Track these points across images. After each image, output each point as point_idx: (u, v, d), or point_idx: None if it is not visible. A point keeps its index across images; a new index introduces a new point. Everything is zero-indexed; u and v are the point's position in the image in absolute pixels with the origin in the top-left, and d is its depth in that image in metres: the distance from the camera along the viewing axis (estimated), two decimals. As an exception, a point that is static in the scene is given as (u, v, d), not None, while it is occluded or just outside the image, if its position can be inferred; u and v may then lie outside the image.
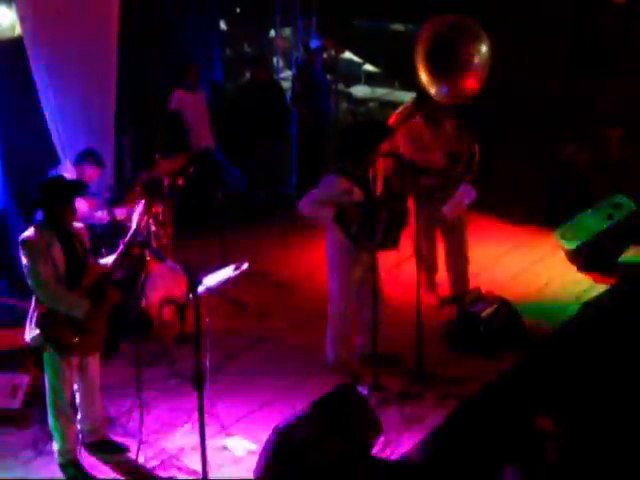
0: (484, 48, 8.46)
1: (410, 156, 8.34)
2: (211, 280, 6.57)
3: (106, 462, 6.66)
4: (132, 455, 6.60)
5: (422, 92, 8.64)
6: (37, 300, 6.26)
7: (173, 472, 6.55)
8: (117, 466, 6.64)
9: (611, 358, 7.36)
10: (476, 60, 8.47)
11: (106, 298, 6.39)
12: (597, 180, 11.07)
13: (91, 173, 8.59)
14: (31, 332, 6.31)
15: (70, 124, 9.22)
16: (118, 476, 6.56)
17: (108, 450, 6.75)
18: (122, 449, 6.75)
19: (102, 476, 6.56)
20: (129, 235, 6.40)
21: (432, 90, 8.42)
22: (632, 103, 11.89)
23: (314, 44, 11.88)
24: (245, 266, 6.94)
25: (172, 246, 8.83)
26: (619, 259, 9.78)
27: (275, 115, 11.39)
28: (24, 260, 6.17)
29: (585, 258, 9.70)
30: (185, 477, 6.50)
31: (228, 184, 10.90)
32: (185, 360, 7.35)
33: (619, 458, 6.01)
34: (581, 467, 5.93)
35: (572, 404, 6.61)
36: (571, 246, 9.77)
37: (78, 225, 6.53)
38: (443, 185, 8.59)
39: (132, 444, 6.67)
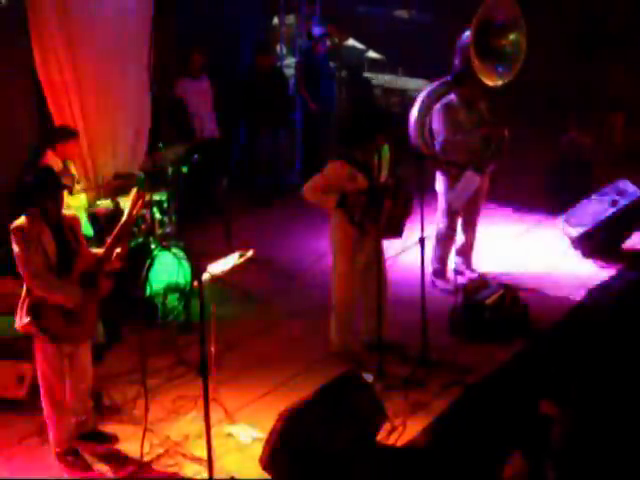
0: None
1: (446, 135, 8.61)
2: (216, 268, 6.56)
3: (99, 452, 6.68)
4: (138, 443, 6.60)
5: (459, 74, 8.79)
6: (28, 288, 6.25)
7: (178, 459, 6.56)
8: (112, 456, 6.66)
9: (617, 344, 7.36)
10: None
11: (98, 287, 6.38)
12: (600, 166, 11.05)
13: (72, 148, 8.49)
14: (22, 320, 6.30)
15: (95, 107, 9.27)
16: (114, 466, 6.56)
17: (98, 440, 6.76)
18: (111, 440, 6.78)
19: (99, 466, 6.57)
20: (120, 223, 6.37)
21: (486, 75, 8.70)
22: (635, 88, 11.87)
23: (317, 31, 11.85)
24: (250, 253, 6.94)
25: (176, 234, 8.82)
26: (623, 245, 9.81)
27: (277, 102, 11.37)
28: (15, 248, 6.15)
29: (589, 244, 9.70)
30: (190, 464, 6.52)
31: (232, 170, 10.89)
32: (190, 348, 7.35)
33: (625, 445, 6.01)
34: (587, 453, 5.93)
35: (578, 391, 6.61)
36: (575, 232, 9.76)
37: (70, 213, 6.52)
38: (475, 165, 8.71)
39: (137, 432, 6.67)
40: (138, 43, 9.53)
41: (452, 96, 8.78)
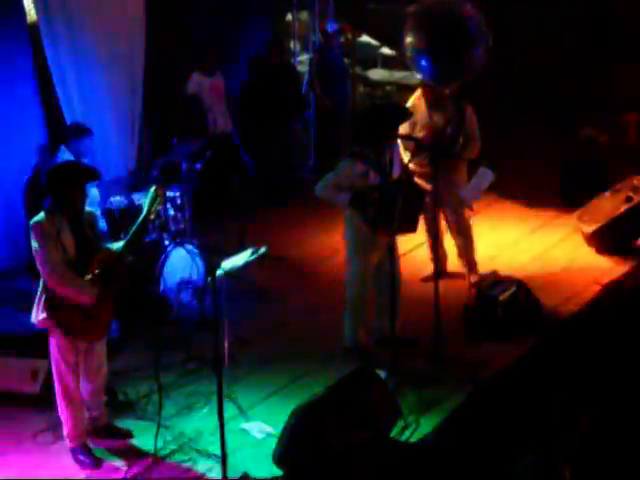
0: None
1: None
2: (229, 264, 6.57)
3: (113, 447, 6.71)
4: (152, 439, 6.61)
5: None
6: (45, 284, 6.26)
7: (192, 455, 6.57)
8: (126, 451, 6.70)
9: (631, 341, 7.35)
10: None
11: (115, 284, 6.39)
12: (615, 163, 11.03)
13: (87, 145, 8.53)
14: (38, 315, 6.32)
15: (95, 106, 9.31)
16: (128, 461, 6.58)
17: (112, 435, 6.80)
18: (125, 435, 6.81)
19: (112, 461, 6.60)
20: (139, 220, 6.39)
21: None
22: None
23: (331, 27, 11.84)
24: (263, 250, 6.95)
25: (190, 230, 8.83)
26: (638, 241, 9.77)
27: (290, 99, 11.37)
28: (34, 244, 6.17)
29: (604, 241, 9.67)
30: (204, 460, 6.53)
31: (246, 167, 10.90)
32: (203, 344, 7.37)
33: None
34: (603, 454, 5.93)
35: (594, 390, 6.60)
36: (589, 229, 9.74)
37: (89, 209, 6.52)
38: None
39: (151, 427, 6.69)
40: (131, 43, 9.65)
41: (418, 95, 8.70)
